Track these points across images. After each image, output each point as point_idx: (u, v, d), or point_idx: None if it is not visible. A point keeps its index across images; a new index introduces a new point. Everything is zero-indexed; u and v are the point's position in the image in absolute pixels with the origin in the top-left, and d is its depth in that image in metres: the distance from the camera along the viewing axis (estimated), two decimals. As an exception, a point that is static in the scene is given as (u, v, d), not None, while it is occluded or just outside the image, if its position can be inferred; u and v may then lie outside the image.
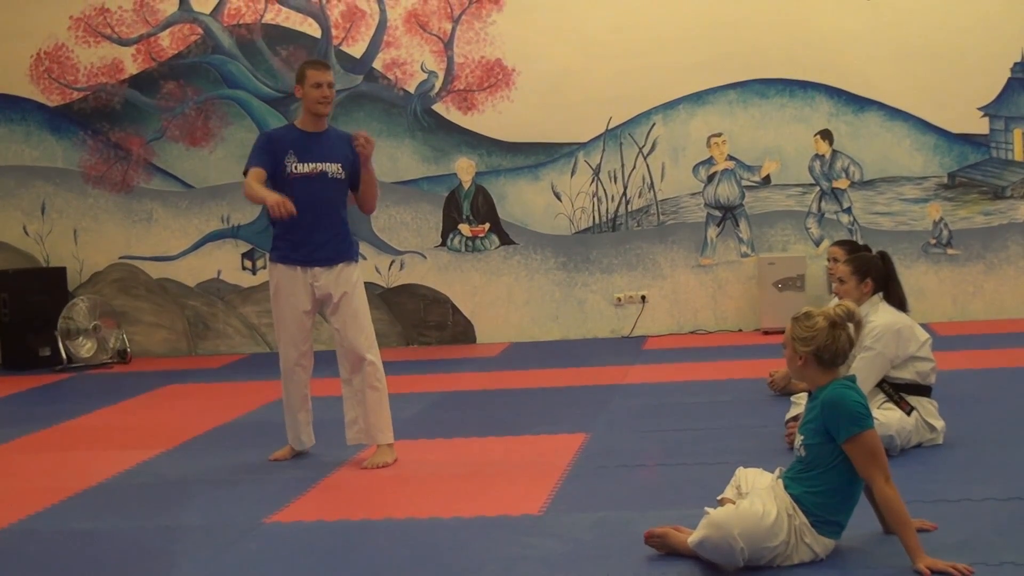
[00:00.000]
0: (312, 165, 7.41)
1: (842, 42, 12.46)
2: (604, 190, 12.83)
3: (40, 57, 13.27)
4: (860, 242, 9.72)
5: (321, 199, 7.42)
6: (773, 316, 12.09)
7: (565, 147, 12.83)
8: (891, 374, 6.99)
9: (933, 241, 12.51)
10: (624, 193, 12.82)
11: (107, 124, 13.24)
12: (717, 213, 12.75)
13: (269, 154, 7.40)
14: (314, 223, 7.40)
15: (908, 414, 6.92)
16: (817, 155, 12.59)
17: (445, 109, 12.92)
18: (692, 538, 5.01)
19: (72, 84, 13.26)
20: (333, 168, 7.47)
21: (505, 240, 12.96)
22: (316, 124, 7.51)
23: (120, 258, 13.35)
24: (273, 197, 7.12)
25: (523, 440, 7.92)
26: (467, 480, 6.96)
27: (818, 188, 12.61)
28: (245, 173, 7.41)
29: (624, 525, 5.70)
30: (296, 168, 7.38)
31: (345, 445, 7.82)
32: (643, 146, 12.75)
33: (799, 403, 7.21)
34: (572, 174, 12.84)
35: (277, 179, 7.38)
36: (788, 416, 7.35)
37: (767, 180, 12.68)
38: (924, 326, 7.40)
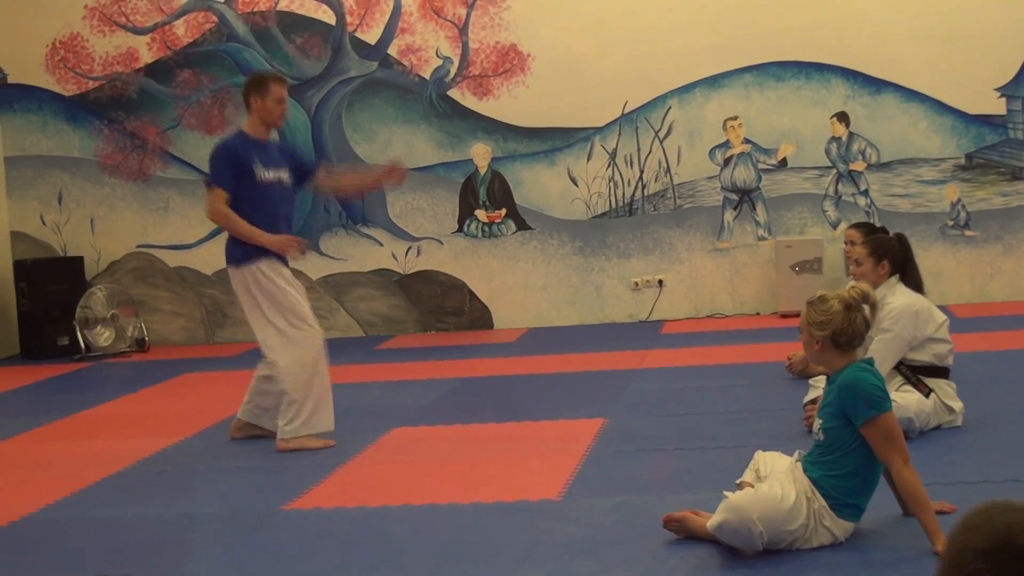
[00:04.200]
0: (274, 172, 7.69)
1: (858, 24, 12.42)
2: (620, 174, 12.82)
3: (55, 47, 13.29)
4: (877, 224, 9.68)
5: (282, 203, 7.75)
6: (790, 299, 12.07)
7: (581, 132, 12.81)
8: (909, 356, 6.98)
9: (951, 223, 12.48)
10: (640, 177, 12.80)
11: (123, 113, 13.26)
12: (734, 196, 12.73)
13: (235, 168, 7.58)
14: (281, 226, 7.68)
15: (926, 396, 6.91)
16: (834, 137, 12.56)
17: (460, 95, 12.91)
18: (711, 522, 5.00)
19: (88, 73, 13.28)
20: (284, 175, 7.76)
21: (522, 225, 12.95)
22: (267, 133, 7.84)
23: (137, 247, 13.38)
24: (276, 240, 7.52)
25: (541, 425, 7.93)
26: (486, 465, 6.97)
27: (835, 170, 12.58)
28: (209, 185, 7.62)
29: (643, 509, 5.71)
30: (264, 176, 7.63)
31: (364, 432, 7.85)
32: (659, 130, 12.73)
33: (817, 386, 7.19)
34: (588, 159, 12.83)
35: (246, 187, 7.56)
36: (806, 399, 7.35)
37: (784, 163, 12.65)
38: (942, 308, 7.40)
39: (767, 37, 12.49)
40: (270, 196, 7.63)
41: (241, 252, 7.59)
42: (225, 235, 7.82)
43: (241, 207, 7.55)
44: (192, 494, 6.74)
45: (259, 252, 7.55)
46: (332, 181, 8.36)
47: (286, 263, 7.74)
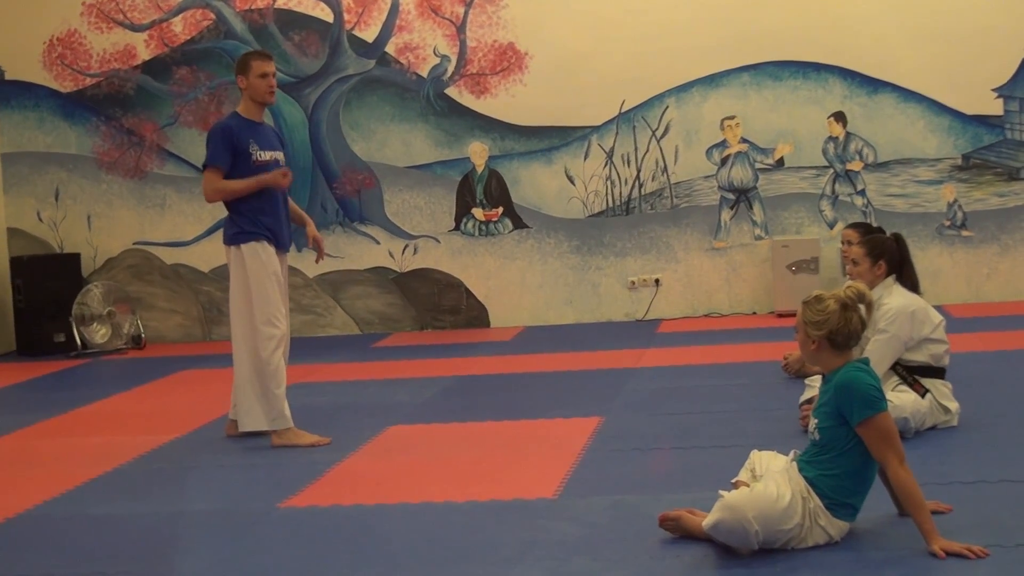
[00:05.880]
0: (270, 153, 7.71)
1: (856, 24, 12.42)
2: (617, 173, 12.82)
3: (53, 43, 13.28)
4: (874, 224, 9.69)
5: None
6: (787, 299, 12.07)
7: (578, 131, 12.81)
8: (905, 356, 6.99)
9: (947, 223, 12.48)
10: (637, 176, 12.80)
11: (120, 110, 13.25)
12: (731, 196, 12.73)
13: (231, 147, 7.60)
14: (280, 208, 7.74)
15: (922, 396, 6.92)
16: (831, 137, 12.56)
17: (458, 93, 12.91)
18: (707, 521, 5.01)
19: (85, 70, 13.27)
20: (280, 156, 7.79)
21: (519, 224, 12.95)
22: (260, 114, 7.78)
23: (134, 244, 13.37)
24: (268, 175, 7.54)
25: (537, 424, 7.93)
26: (482, 464, 6.97)
27: (832, 170, 12.59)
28: (204, 167, 7.65)
29: (638, 508, 5.71)
30: (260, 156, 7.65)
31: (360, 430, 7.85)
32: (656, 129, 12.73)
33: (813, 385, 7.20)
34: (585, 158, 12.83)
35: (242, 168, 7.60)
36: (802, 399, 7.34)
37: (781, 163, 12.65)
38: (938, 308, 7.40)
39: (765, 37, 12.49)
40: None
41: (236, 232, 7.62)
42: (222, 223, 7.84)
43: None
44: (188, 491, 6.74)
45: (254, 234, 7.58)
46: None
47: (284, 249, 7.75)
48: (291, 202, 7.95)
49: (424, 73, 12.93)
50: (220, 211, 11.58)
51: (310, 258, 12.65)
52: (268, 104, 7.78)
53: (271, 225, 7.64)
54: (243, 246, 7.60)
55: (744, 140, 12.66)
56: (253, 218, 7.60)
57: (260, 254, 7.60)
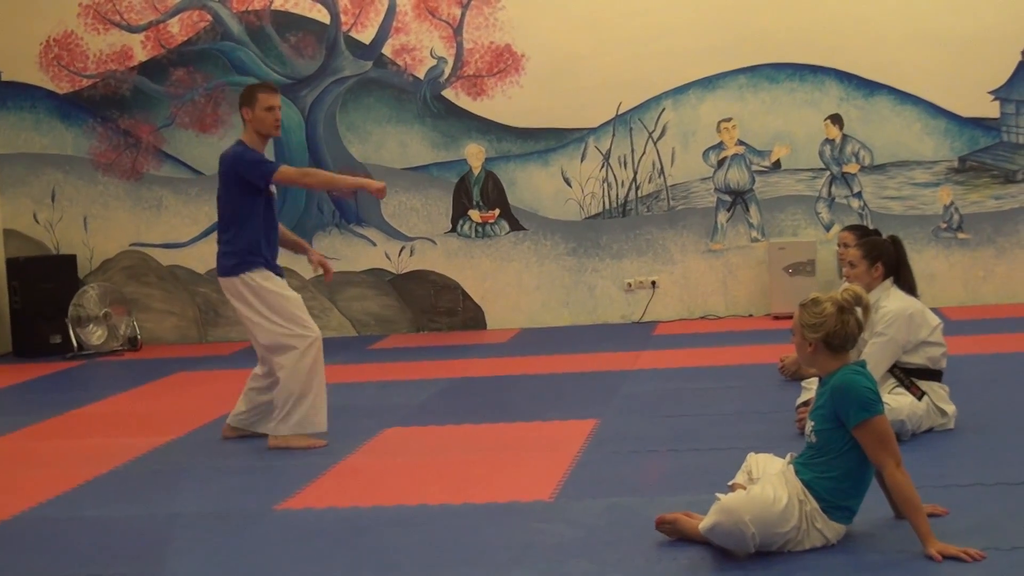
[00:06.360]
0: (271, 188, 7.70)
1: (852, 26, 12.42)
2: (614, 175, 12.82)
3: (49, 44, 13.27)
4: (870, 227, 9.69)
5: (275, 214, 7.81)
6: (783, 301, 12.07)
7: (575, 132, 12.81)
8: (902, 359, 6.98)
9: (944, 225, 12.49)
10: (634, 178, 12.80)
11: (117, 111, 13.24)
12: (727, 198, 12.73)
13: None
14: (275, 243, 7.80)
15: (919, 399, 6.91)
16: (827, 139, 12.56)
17: (454, 95, 12.91)
18: (703, 524, 5.00)
19: (81, 71, 13.26)
20: (274, 189, 7.79)
21: (515, 226, 12.95)
22: (264, 147, 7.77)
23: (130, 245, 13.36)
24: (372, 182, 7.82)
25: (534, 426, 7.93)
26: (478, 466, 6.97)
27: (828, 173, 12.59)
28: (270, 174, 7.55)
29: (635, 511, 5.71)
30: (269, 188, 7.68)
31: (357, 432, 7.85)
32: (653, 131, 12.73)
33: (810, 388, 7.20)
34: (582, 159, 12.83)
35: (254, 197, 7.60)
36: (799, 401, 7.34)
37: (777, 165, 12.65)
38: (935, 311, 7.38)
39: (761, 39, 12.50)
40: (271, 206, 7.70)
41: (234, 262, 7.57)
42: (214, 238, 7.83)
43: (249, 218, 7.54)
44: (184, 493, 6.73)
45: (250, 262, 7.55)
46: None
47: (280, 273, 7.73)
48: (284, 229, 7.95)
49: (421, 75, 12.93)
50: (216, 212, 11.57)
51: (305, 260, 12.65)
52: (274, 136, 7.78)
53: (268, 259, 7.63)
54: (249, 273, 7.55)
55: (740, 142, 12.66)
56: (253, 249, 7.57)
57: (257, 279, 7.58)
